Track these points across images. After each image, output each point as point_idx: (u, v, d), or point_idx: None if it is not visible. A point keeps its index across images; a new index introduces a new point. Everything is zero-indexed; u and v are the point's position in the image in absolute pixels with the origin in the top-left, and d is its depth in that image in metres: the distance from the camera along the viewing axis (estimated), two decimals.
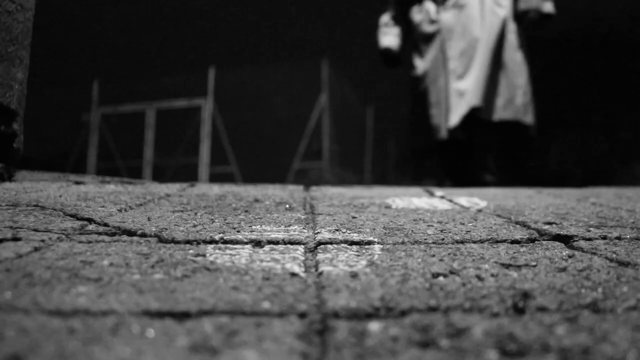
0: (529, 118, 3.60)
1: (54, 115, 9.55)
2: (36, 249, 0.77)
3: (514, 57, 3.58)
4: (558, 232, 0.97)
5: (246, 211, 1.22)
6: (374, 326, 0.49)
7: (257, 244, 0.84)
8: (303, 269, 0.69)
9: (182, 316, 0.50)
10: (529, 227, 1.04)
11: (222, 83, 9.09)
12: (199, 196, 1.49)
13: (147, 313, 0.51)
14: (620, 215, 1.22)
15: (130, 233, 0.92)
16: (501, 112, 3.53)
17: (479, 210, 1.30)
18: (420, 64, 3.76)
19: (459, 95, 3.54)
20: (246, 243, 0.85)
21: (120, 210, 1.17)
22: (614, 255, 0.79)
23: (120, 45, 9.50)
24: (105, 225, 0.99)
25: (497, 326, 0.49)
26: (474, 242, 0.89)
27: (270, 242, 0.85)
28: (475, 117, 3.49)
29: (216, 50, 9.40)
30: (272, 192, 1.66)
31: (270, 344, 0.44)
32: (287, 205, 1.33)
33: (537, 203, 1.45)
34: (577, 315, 0.52)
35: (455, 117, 3.50)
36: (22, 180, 1.76)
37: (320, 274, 0.67)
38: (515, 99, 3.58)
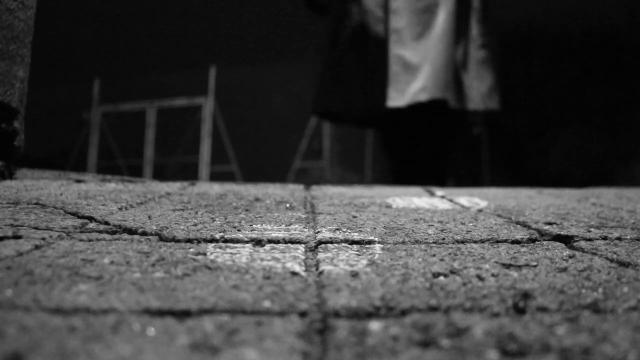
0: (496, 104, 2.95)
1: (55, 113, 9.55)
2: (37, 247, 0.77)
3: (482, 27, 2.89)
4: (559, 233, 0.97)
5: (247, 210, 1.22)
6: (375, 325, 0.49)
7: (258, 242, 0.84)
8: (304, 268, 0.69)
9: (183, 315, 0.50)
10: (529, 227, 1.04)
11: (223, 82, 9.09)
12: (199, 195, 1.49)
13: (147, 311, 0.51)
14: (621, 215, 1.22)
15: (130, 231, 0.92)
16: (487, 100, 2.87)
17: (480, 210, 1.30)
18: (354, 13, 2.92)
19: (404, 67, 2.77)
20: (247, 242, 0.85)
21: (120, 209, 1.17)
22: (615, 256, 0.79)
23: (121, 44, 9.50)
24: (106, 223, 0.99)
25: (498, 326, 0.49)
26: (475, 242, 0.89)
27: (270, 241, 0.85)
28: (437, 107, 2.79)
29: (217, 49, 9.40)
30: (273, 191, 1.66)
31: (270, 342, 0.44)
32: (288, 204, 1.33)
33: (537, 203, 1.45)
34: (577, 316, 0.52)
35: (398, 98, 2.74)
36: (22, 178, 1.77)
37: (321, 273, 0.67)
38: (495, 84, 2.92)
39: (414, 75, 2.77)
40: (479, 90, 2.90)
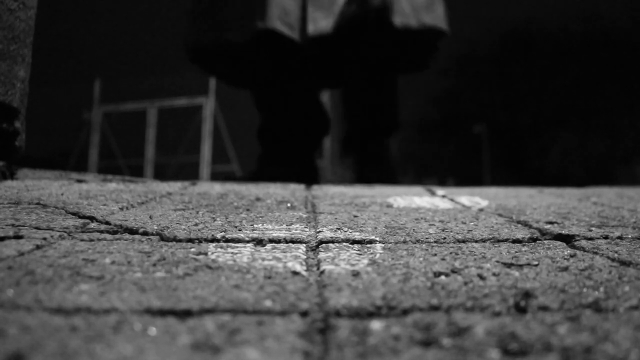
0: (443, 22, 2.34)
1: (56, 113, 9.56)
2: (38, 247, 0.77)
3: None
4: (560, 232, 0.97)
5: (248, 210, 1.22)
6: (376, 325, 0.49)
7: (259, 242, 0.84)
8: (305, 268, 0.69)
9: (184, 314, 0.50)
10: (530, 227, 1.04)
11: None
12: (200, 195, 1.49)
13: (149, 311, 0.51)
14: (622, 215, 1.22)
15: (132, 231, 0.92)
16: (422, 14, 2.27)
17: (481, 210, 1.30)
18: None
19: None
20: (248, 242, 0.85)
21: (121, 209, 1.17)
22: (616, 255, 0.79)
23: (122, 44, 9.50)
24: (107, 223, 0.99)
25: (499, 325, 0.49)
26: (476, 241, 0.89)
27: (272, 240, 0.85)
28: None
29: None
30: (274, 190, 1.66)
31: (272, 342, 0.44)
32: (289, 204, 1.33)
33: (538, 202, 1.45)
34: (579, 315, 0.52)
35: (324, 17, 2.15)
36: (23, 178, 1.77)
37: (322, 272, 0.67)
38: None
39: None
40: (411, 2, 2.34)
